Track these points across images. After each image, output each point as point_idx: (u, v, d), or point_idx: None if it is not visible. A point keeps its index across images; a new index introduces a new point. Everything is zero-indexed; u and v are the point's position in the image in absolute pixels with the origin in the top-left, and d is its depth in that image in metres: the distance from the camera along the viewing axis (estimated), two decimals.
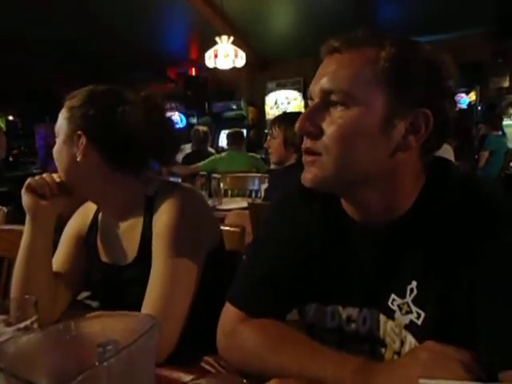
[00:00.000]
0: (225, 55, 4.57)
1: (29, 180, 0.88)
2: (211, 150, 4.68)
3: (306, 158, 0.60)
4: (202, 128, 4.29)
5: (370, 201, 0.61)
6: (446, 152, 3.30)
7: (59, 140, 0.88)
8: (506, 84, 5.93)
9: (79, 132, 0.84)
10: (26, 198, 0.88)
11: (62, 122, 0.87)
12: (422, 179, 0.62)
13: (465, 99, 6.56)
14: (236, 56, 4.63)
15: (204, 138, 4.15)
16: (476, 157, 4.55)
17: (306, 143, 0.59)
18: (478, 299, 0.54)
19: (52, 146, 0.91)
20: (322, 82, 0.58)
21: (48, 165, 3.28)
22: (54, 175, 0.89)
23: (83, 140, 0.84)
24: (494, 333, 0.52)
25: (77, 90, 0.89)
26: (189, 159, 3.85)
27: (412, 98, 0.55)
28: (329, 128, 0.56)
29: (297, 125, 0.59)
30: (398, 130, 0.55)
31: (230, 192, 3.03)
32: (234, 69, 4.80)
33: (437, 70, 0.56)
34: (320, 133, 0.57)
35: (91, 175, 0.87)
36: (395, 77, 0.54)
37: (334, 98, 0.56)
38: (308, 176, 0.60)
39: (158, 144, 0.91)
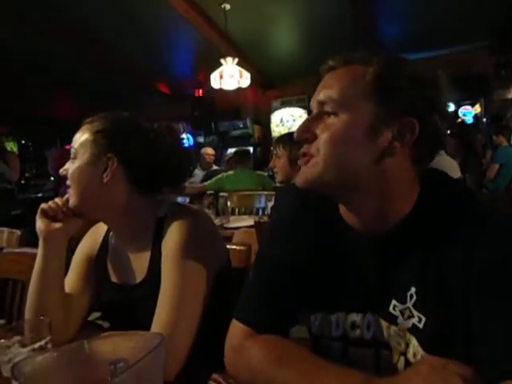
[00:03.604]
0: (230, 76, 4.66)
1: (42, 205, 0.92)
2: (216, 167, 4.78)
3: (301, 161, 0.66)
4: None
5: (364, 206, 0.64)
6: (451, 166, 3.30)
7: (80, 161, 0.88)
8: (510, 95, 5.94)
9: (110, 154, 0.87)
10: (39, 223, 0.91)
11: (84, 144, 0.89)
12: (417, 188, 0.65)
13: (470, 111, 6.57)
14: (241, 76, 4.72)
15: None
16: (483, 168, 4.53)
17: (303, 148, 0.65)
18: (476, 306, 0.55)
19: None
20: (318, 95, 0.65)
21: (60, 186, 3.36)
22: (65, 198, 0.92)
23: (114, 162, 0.88)
24: (493, 342, 0.53)
25: (97, 115, 0.92)
26: None
27: (397, 108, 0.60)
28: (321, 133, 0.63)
29: (295, 134, 0.66)
30: (384, 136, 0.60)
31: (237, 210, 3.05)
32: (240, 88, 4.89)
33: (422, 84, 0.61)
34: (314, 138, 0.64)
35: (112, 197, 0.90)
36: (380, 90, 0.60)
37: (327, 107, 0.63)
38: (301, 176, 0.65)
39: (177, 170, 0.96)
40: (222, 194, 2.92)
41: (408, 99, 0.59)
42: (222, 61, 4.71)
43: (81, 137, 0.90)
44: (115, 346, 0.45)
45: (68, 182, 0.90)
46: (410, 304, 0.62)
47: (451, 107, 6.60)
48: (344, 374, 0.58)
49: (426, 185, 0.65)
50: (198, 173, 4.50)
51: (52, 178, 3.90)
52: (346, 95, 0.61)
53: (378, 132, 0.60)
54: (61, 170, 0.92)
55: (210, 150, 4.90)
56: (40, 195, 4.50)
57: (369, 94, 0.60)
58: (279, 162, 2.12)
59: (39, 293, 0.90)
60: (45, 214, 0.91)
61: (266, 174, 3.98)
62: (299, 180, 0.65)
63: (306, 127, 0.65)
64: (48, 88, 6.33)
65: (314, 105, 0.66)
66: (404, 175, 0.63)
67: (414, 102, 0.60)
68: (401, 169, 0.62)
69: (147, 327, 0.79)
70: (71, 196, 0.90)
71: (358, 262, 0.68)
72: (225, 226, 2.52)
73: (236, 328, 0.72)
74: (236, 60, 4.75)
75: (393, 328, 0.65)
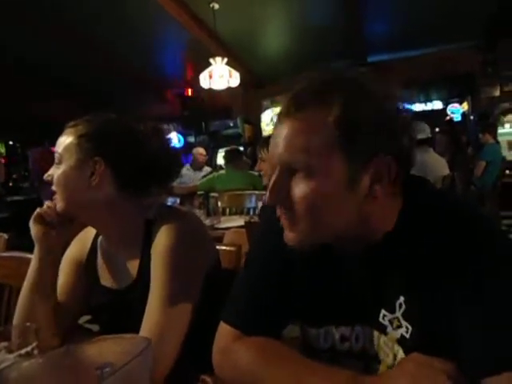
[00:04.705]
0: (219, 76, 4.66)
1: (38, 210, 0.90)
2: (208, 168, 4.77)
3: (283, 222, 0.62)
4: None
5: (349, 240, 0.64)
6: (441, 165, 3.33)
7: (65, 166, 0.87)
8: (497, 93, 6.05)
9: (97, 158, 0.86)
10: (35, 229, 0.90)
11: (68, 148, 0.87)
12: (400, 199, 0.63)
13: (458, 109, 6.66)
14: (230, 76, 4.72)
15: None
16: (471, 166, 4.59)
17: (280, 212, 0.61)
18: (460, 313, 0.55)
19: (45, 170, 0.91)
20: (279, 151, 0.59)
21: (42, 189, 3.29)
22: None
23: (101, 165, 0.86)
24: (474, 342, 0.53)
25: (80, 119, 0.90)
26: None
27: (368, 150, 0.56)
28: (296, 197, 0.58)
29: (267, 200, 0.61)
30: (362, 183, 0.57)
31: (227, 210, 3.05)
32: (230, 88, 4.88)
33: (387, 110, 0.57)
34: (290, 202, 0.59)
35: (99, 200, 0.88)
36: (346, 137, 0.55)
37: (294, 166, 0.58)
38: (290, 239, 0.62)
39: (165, 171, 0.95)
40: (212, 194, 2.92)
41: (376, 136, 0.56)
42: (211, 60, 4.70)
43: (65, 141, 0.88)
44: (102, 350, 0.45)
45: (54, 188, 0.89)
46: (398, 313, 0.62)
47: (440, 105, 6.69)
48: (331, 372, 0.58)
49: (407, 195, 0.63)
50: (188, 173, 4.49)
51: (35, 182, 3.82)
52: (312, 153, 0.55)
53: (355, 182, 0.56)
54: (45, 176, 0.90)
55: (201, 150, 4.88)
56: (29, 197, 4.43)
57: (335, 145, 0.55)
58: (264, 165, 2.11)
59: (31, 300, 0.89)
60: (40, 219, 0.90)
61: (256, 173, 3.97)
62: (288, 242, 0.62)
63: (276, 191, 0.59)
64: (39, 88, 6.24)
65: (275, 159, 0.60)
66: (385, 201, 0.60)
67: (382, 137, 0.56)
68: (382, 202, 0.60)
69: (137, 331, 0.78)
70: (58, 201, 0.89)
71: (345, 276, 0.67)
72: (216, 226, 2.51)
73: (223, 330, 0.72)
74: (225, 60, 4.75)
75: (382, 338, 0.64)
